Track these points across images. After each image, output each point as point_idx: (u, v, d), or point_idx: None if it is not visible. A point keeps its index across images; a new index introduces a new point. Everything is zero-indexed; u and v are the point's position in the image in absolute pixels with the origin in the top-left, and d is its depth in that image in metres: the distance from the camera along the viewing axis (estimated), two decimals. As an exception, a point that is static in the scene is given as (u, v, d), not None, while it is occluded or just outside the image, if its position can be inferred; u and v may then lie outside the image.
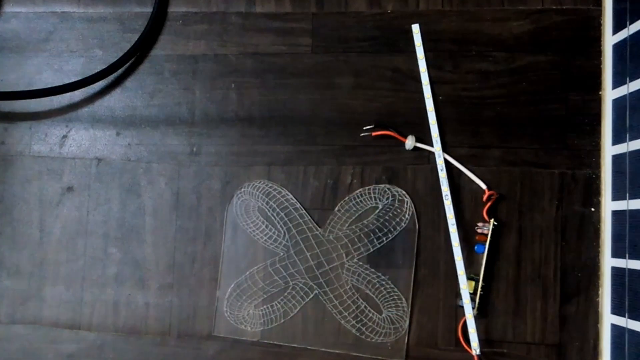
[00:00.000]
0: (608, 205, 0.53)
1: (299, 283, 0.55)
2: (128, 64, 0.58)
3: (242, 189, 0.57)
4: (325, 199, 0.56)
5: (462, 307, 0.53)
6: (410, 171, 0.56)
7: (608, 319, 0.52)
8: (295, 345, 0.55)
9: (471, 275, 0.54)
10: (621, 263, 0.51)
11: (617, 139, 0.53)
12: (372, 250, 0.55)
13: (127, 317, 0.56)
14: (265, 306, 0.55)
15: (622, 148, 0.52)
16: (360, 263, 0.55)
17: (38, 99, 0.58)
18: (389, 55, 0.57)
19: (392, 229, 0.55)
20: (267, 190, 0.56)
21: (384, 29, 0.57)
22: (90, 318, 0.57)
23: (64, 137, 0.59)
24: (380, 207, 0.55)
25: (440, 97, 0.56)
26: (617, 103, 0.53)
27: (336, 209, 0.56)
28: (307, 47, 0.58)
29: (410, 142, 0.55)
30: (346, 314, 0.55)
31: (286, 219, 0.56)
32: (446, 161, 0.55)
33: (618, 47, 0.53)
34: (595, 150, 0.55)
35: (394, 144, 0.56)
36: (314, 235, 0.55)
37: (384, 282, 0.55)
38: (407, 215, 0.55)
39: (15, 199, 0.58)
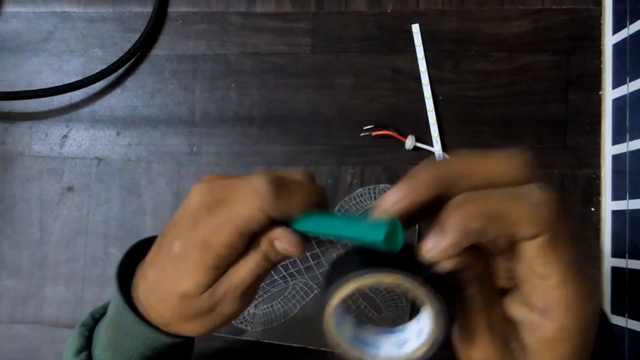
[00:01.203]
0: (608, 205, 0.54)
1: (299, 283, 0.55)
2: (128, 64, 0.58)
3: (242, 189, 0.57)
4: (325, 198, 0.56)
5: (462, 306, 0.53)
6: (410, 171, 0.56)
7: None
8: (296, 345, 0.55)
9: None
10: (621, 263, 0.51)
11: (617, 138, 0.53)
12: (372, 250, 0.55)
13: (127, 316, 0.56)
14: (265, 306, 0.55)
15: (622, 148, 0.52)
16: (360, 263, 0.55)
17: (38, 99, 0.58)
18: (389, 55, 0.57)
19: (392, 229, 0.55)
20: (267, 190, 0.56)
21: (384, 28, 0.57)
22: (91, 318, 0.57)
23: (64, 137, 0.59)
24: (380, 207, 0.55)
25: (440, 97, 0.56)
26: (617, 103, 0.53)
27: (336, 208, 0.56)
28: (307, 46, 0.58)
29: (410, 142, 0.55)
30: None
31: (286, 218, 0.56)
32: (446, 161, 0.55)
33: (618, 47, 0.53)
34: (595, 150, 0.55)
35: (394, 143, 0.56)
36: (314, 235, 0.55)
37: (384, 282, 0.55)
38: (407, 215, 0.55)
39: (16, 198, 0.58)
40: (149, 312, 0.30)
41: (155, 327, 0.30)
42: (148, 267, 0.30)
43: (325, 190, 0.27)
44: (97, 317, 0.36)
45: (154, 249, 0.30)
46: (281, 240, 0.27)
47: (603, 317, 0.29)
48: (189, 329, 0.30)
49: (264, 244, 0.28)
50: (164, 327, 0.30)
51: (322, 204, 0.28)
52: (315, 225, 0.27)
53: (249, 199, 0.26)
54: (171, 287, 0.28)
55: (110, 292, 0.57)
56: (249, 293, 0.29)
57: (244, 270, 0.28)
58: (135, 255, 0.33)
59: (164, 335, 0.31)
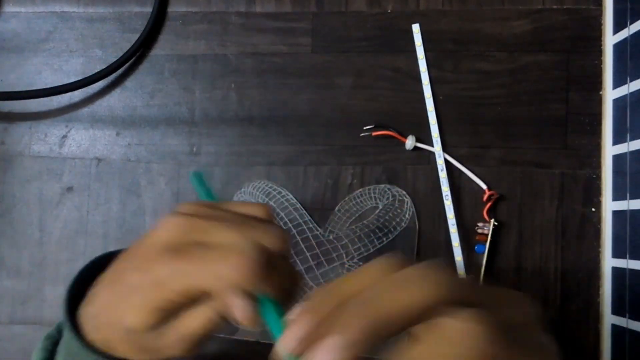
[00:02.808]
0: (608, 206, 0.53)
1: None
2: (128, 64, 0.58)
3: (242, 189, 0.57)
4: (325, 199, 0.56)
5: (463, 307, 0.53)
6: (410, 171, 0.56)
7: (608, 319, 0.52)
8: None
9: (471, 276, 0.54)
10: (622, 263, 0.51)
11: (618, 139, 0.53)
12: (372, 250, 0.55)
13: (127, 317, 0.56)
14: (265, 306, 0.55)
15: (622, 148, 0.52)
16: (361, 263, 0.55)
17: (38, 99, 0.58)
18: (389, 55, 0.57)
19: (392, 229, 0.55)
20: (267, 190, 0.56)
21: (384, 28, 0.57)
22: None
23: (64, 137, 0.59)
24: (381, 207, 0.55)
25: (441, 97, 0.56)
26: (618, 103, 0.53)
27: (336, 209, 0.56)
28: (307, 46, 0.57)
29: (410, 142, 0.55)
30: (346, 314, 0.54)
31: (286, 219, 0.56)
32: (446, 161, 0.55)
33: (618, 47, 0.53)
34: (596, 150, 0.55)
35: (394, 144, 0.56)
36: (314, 236, 0.55)
37: (384, 282, 0.54)
38: (407, 216, 0.55)
39: (15, 199, 0.58)
40: (96, 331, 0.29)
41: (101, 353, 0.29)
42: (103, 287, 0.29)
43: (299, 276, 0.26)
44: (62, 330, 0.34)
45: (112, 270, 0.29)
46: (239, 312, 0.26)
47: None
48: (133, 356, 0.29)
49: (219, 304, 0.26)
50: (110, 350, 0.29)
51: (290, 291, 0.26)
52: (269, 316, 0.25)
53: (232, 263, 0.24)
54: (118, 317, 0.27)
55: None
56: (198, 341, 0.28)
57: (196, 322, 0.27)
58: (92, 273, 0.31)
59: None
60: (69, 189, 0.58)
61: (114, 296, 0.27)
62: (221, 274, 0.24)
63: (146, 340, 0.27)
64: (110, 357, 0.29)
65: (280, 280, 0.26)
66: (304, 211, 0.56)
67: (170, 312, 0.26)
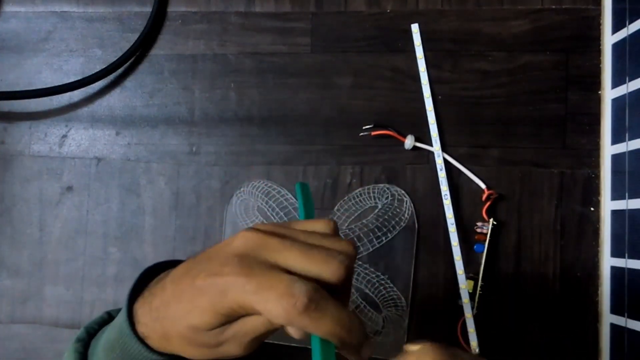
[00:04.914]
0: (607, 205, 0.54)
1: (298, 282, 0.55)
2: (128, 63, 0.58)
3: (242, 189, 0.57)
4: (324, 198, 0.56)
5: (462, 306, 0.53)
6: (409, 171, 0.56)
7: (607, 319, 0.52)
8: (295, 345, 0.55)
9: (470, 275, 0.54)
10: (620, 263, 0.51)
11: (617, 138, 0.53)
12: (371, 249, 0.55)
13: (127, 316, 0.56)
14: (264, 306, 0.55)
15: (621, 147, 0.52)
16: (360, 262, 0.55)
17: (37, 99, 0.58)
18: (388, 54, 0.57)
19: (391, 229, 0.55)
20: (267, 189, 0.56)
21: (383, 28, 0.57)
22: (90, 317, 0.57)
23: (64, 136, 0.59)
24: (380, 206, 0.55)
25: (440, 97, 0.56)
26: (617, 102, 0.53)
27: (335, 208, 0.56)
28: (307, 46, 0.58)
29: (409, 142, 0.55)
30: (345, 313, 0.54)
31: (286, 218, 0.56)
32: (445, 161, 0.55)
33: (617, 47, 0.53)
34: (595, 149, 0.55)
35: (393, 143, 0.56)
36: (313, 235, 0.55)
37: (383, 282, 0.55)
38: (406, 215, 0.55)
39: (15, 198, 0.58)
40: (156, 323, 0.30)
41: (163, 355, 0.30)
42: (172, 282, 0.30)
43: (360, 326, 0.27)
44: (91, 332, 0.36)
45: (183, 268, 0.30)
46: (290, 332, 0.28)
47: None
48: (189, 352, 0.30)
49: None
50: (166, 343, 0.30)
51: (346, 339, 0.27)
52: (315, 349, 0.26)
53: (281, 302, 0.25)
54: (182, 314, 0.28)
55: (109, 293, 0.57)
56: (257, 340, 0.29)
57: (258, 321, 0.28)
58: (146, 279, 0.33)
59: None
60: (69, 188, 0.58)
61: (181, 293, 0.28)
62: (272, 310, 0.26)
63: (206, 338, 0.28)
64: (165, 355, 0.30)
65: (331, 319, 0.26)
66: (303, 211, 0.56)
67: (232, 317, 0.28)
